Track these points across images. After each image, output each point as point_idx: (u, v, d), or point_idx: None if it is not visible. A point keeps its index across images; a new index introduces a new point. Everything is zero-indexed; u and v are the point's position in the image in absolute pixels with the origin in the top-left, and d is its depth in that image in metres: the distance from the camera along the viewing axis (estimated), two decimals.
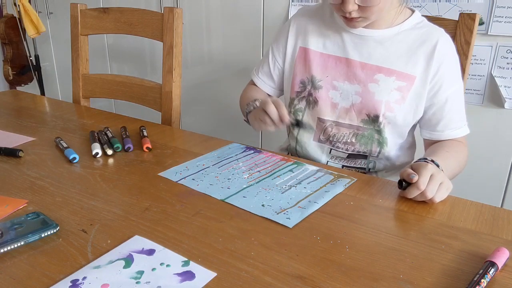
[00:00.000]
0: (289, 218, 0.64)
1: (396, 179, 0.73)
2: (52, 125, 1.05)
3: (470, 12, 1.15)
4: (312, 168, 0.82)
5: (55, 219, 0.63)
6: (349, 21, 0.86)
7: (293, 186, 0.74)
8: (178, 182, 0.76)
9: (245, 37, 1.87)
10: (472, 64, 1.43)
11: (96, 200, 0.70)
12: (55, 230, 0.60)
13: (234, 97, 1.98)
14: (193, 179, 0.76)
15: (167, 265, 0.53)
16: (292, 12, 1.72)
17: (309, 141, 0.98)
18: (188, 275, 0.52)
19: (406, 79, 0.88)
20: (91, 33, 1.30)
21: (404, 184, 0.69)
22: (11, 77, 2.62)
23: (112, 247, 0.57)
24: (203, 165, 0.82)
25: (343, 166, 0.97)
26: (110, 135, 0.94)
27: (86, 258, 0.55)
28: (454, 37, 0.95)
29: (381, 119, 0.89)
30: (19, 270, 0.53)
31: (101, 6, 1.46)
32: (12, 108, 1.22)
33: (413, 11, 0.91)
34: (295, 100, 0.98)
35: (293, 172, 0.80)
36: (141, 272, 0.52)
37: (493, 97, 1.44)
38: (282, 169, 0.81)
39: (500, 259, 0.53)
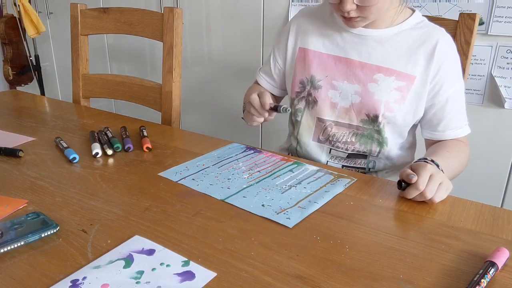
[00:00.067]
0: (289, 218, 0.64)
1: (396, 179, 0.73)
2: (52, 125, 1.05)
3: (470, 12, 1.15)
4: (312, 168, 0.82)
5: (55, 219, 0.63)
6: (348, 20, 0.86)
7: (293, 186, 0.74)
8: (178, 182, 0.76)
9: (245, 37, 1.87)
10: (472, 64, 1.43)
11: (96, 200, 0.70)
12: (55, 230, 0.60)
13: (234, 97, 2.00)
14: (193, 179, 0.76)
15: (167, 265, 0.53)
16: (292, 12, 1.72)
17: (308, 141, 0.98)
18: (188, 275, 0.52)
19: (406, 79, 0.88)
20: (91, 33, 1.30)
21: (404, 184, 0.69)
22: (11, 77, 2.62)
23: (112, 247, 0.57)
24: (203, 165, 0.82)
25: (343, 166, 0.97)
26: (110, 135, 0.94)
27: (86, 258, 0.55)
28: (454, 37, 0.95)
29: (380, 119, 0.89)
30: (19, 270, 0.53)
31: (101, 6, 1.46)
32: (12, 108, 1.22)
33: (413, 11, 0.91)
34: (295, 100, 0.98)
35: (293, 172, 0.80)
36: (141, 272, 0.52)
37: (493, 97, 1.44)
38: (282, 169, 0.81)
39: (500, 259, 0.53)
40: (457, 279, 0.52)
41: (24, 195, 0.71)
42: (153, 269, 0.53)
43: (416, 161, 0.73)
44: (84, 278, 0.51)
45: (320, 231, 0.61)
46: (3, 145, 0.90)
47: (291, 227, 0.62)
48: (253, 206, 0.67)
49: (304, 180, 0.77)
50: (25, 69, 2.63)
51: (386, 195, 0.72)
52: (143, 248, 0.57)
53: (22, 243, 0.57)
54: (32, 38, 2.46)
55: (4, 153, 0.86)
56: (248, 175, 0.78)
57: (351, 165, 0.97)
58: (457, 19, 0.96)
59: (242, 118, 1.00)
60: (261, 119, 0.88)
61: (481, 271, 0.51)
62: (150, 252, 0.56)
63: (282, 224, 0.63)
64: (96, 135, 0.93)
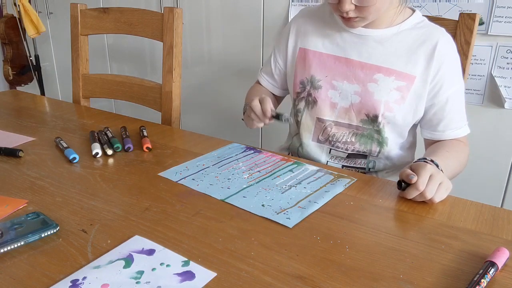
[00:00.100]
0: (289, 218, 0.64)
1: (396, 179, 0.73)
2: (52, 125, 1.05)
3: (470, 12, 1.15)
4: (312, 168, 0.82)
5: (55, 219, 0.63)
6: (347, 21, 0.86)
7: (293, 186, 0.74)
8: (178, 182, 0.76)
9: (245, 37, 1.87)
10: (472, 64, 1.43)
11: (96, 200, 0.70)
12: (55, 230, 0.60)
13: (234, 97, 2.00)
14: (193, 179, 0.76)
15: (167, 265, 0.53)
16: (292, 12, 1.72)
17: (308, 141, 0.98)
18: (188, 275, 0.52)
19: (406, 79, 0.88)
20: (91, 33, 1.30)
21: (404, 184, 0.69)
22: (11, 77, 2.62)
23: (112, 247, 0.57)
24: (203, 165, 0.82)
25: (343, 166, 0.97)
26: (110, 135, 0.94)
27: (86, 258, 0.55)
28: (454, 37, 0.95)
29: (380, 119, 0.89)
30: (19, 270, 0.53)
31: (101, 6, 1.46)
32: (12, 108, 1.22)
33: (413, 11, 0.91)
34: (296, 100, 0.98)
35: (293, 172, 0.80)
36: (141, 272, 0.52)
37: (493, 97, 1.44)
38: (282, 169, 0.81)
39: (500, 259, 0.53)
40: (457, 279, 0.52)
41: (24, 195, 0.71)
42: (153, 269, 0.53)
43: (415, 161, 0.73)
44: (84, 278, 0.51)
45: (320, 231, 0.61)
46: (3, 145, 0.90)
47: (291, 227, 0.62)
48: (253, 206, 0.67)
49: (304, 180, 0.77)
50: (25, 69, 2.64)
51: (386, 195, 0.72)
52: (143, 248, 0.57)
53: (22, 243, 0.57)
54: (32, 38, 2.46)
55: (4, 153, 0.86)
56: (248, 175, 0.78)
57: (351, 165, 0.97)
58: (457, 19, 0.96)
59: (242, 119, 1.00)
60: (261, 124, 0.89)
61: (481, 271, 0.51)
62: (150, 252, 0.56)
63: (282, 224, 0.63)
64: (96, 135, 0.93)
